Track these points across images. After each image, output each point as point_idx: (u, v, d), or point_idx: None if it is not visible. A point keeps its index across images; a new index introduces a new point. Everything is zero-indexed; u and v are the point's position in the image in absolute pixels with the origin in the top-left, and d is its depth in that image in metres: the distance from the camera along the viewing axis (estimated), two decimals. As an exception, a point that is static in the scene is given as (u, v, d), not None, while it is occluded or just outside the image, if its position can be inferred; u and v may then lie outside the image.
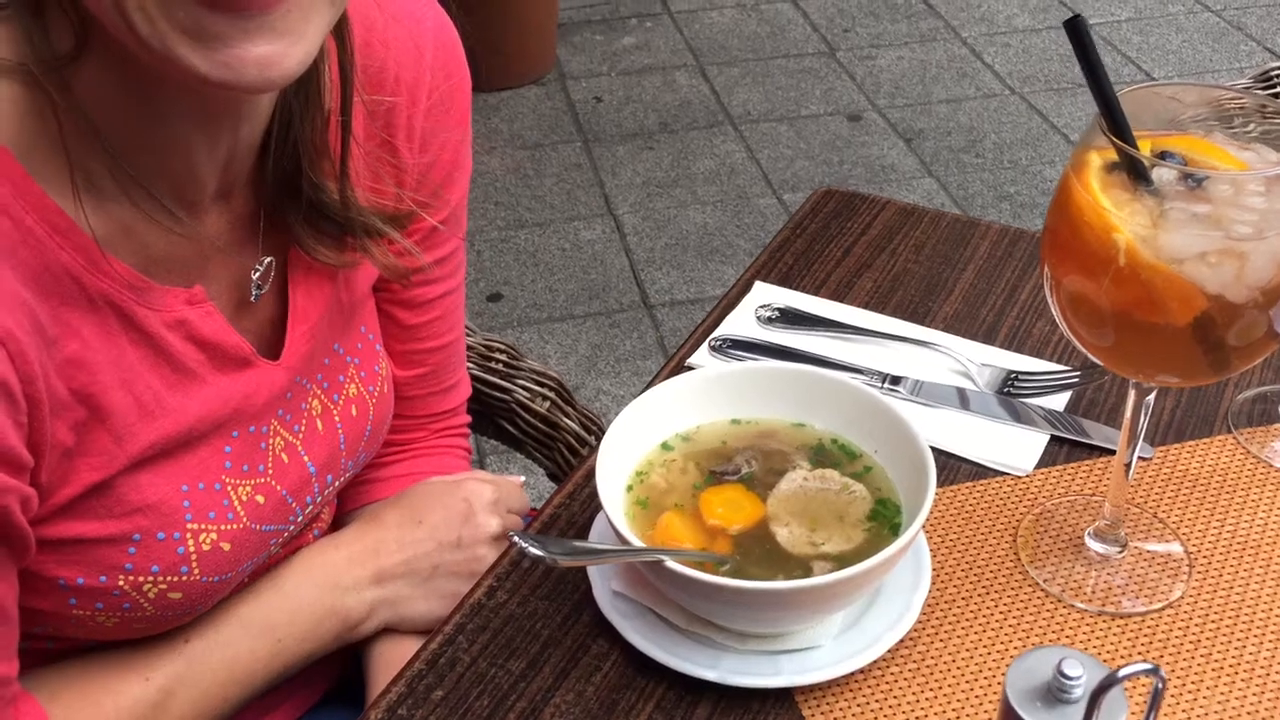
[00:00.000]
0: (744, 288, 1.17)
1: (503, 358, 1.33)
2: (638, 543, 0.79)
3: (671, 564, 0.77)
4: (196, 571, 0.82)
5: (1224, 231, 0.71)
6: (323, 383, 0.91)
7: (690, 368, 1.07)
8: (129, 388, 0.76)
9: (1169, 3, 4.14)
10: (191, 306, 0.80)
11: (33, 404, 0.69)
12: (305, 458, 0.89)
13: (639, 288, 2.90)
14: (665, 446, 0.91)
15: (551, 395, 1.33)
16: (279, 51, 0.67)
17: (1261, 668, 0.82)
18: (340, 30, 0.80)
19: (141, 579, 0.80)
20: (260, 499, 0.86)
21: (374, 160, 0.89)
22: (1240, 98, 0.78)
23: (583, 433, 1.33)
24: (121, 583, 0.79)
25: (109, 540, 0.78)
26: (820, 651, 0.82)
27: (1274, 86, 1.47)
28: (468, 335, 1.34)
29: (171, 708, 0.85)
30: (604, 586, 0.86)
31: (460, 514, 0.99)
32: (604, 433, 0.86)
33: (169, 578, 0.81)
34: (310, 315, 0.87)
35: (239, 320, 0.84)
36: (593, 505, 0.94)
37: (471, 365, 1.30)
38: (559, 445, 1.33)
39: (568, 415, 1.33)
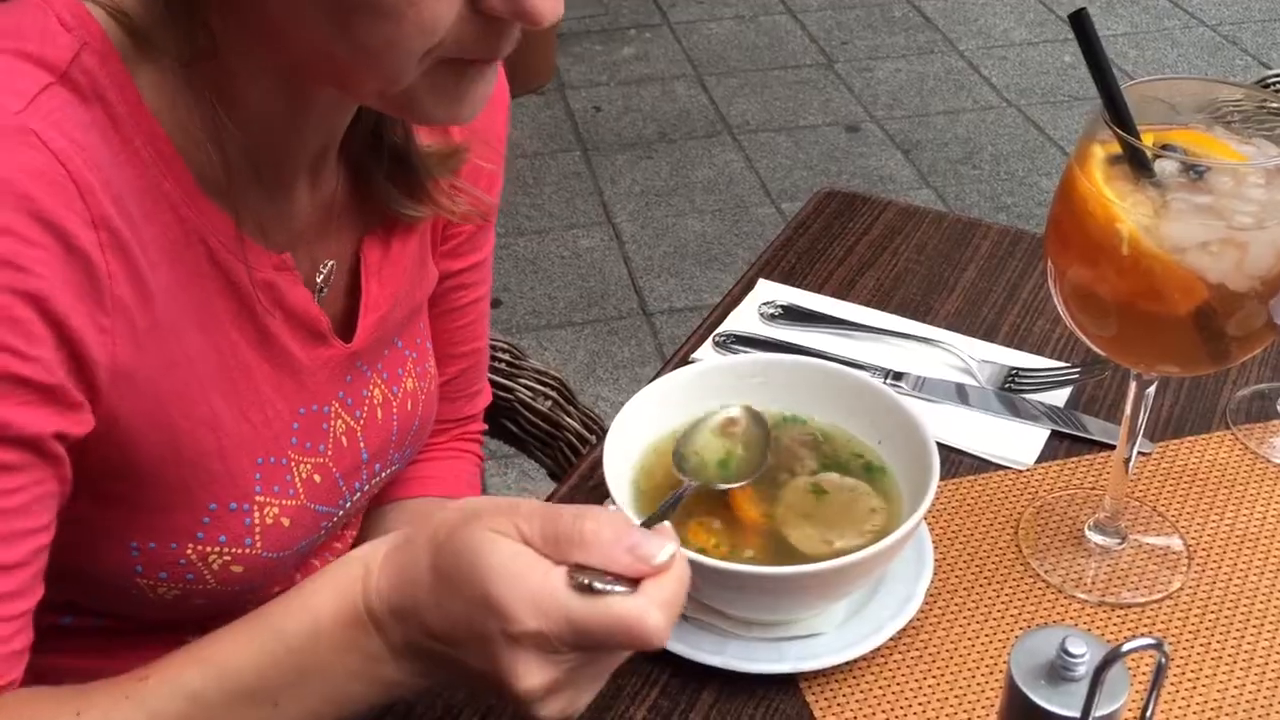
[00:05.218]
0: (747, 285, 1.18)
1: (505, 357, 1.33)
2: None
3: (680, 548, 0.78)
4: (259, 545, 0.81)
5: (1225, 221, 0.72)
6: (382, 372, 0.91)
7: (694, 363, 1.08)
8: (207, 332, 0.75)
9: (1165, 18, 4.17)
10: (279, 272, 0.79)
11: (118, 307, 0.67)
12: (362, 443, 0.89)
13: (638, 295, 2.91)
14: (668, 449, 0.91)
15: (553, 395, 1.33)
16: (492, 86, 0.71)
17: (1260, 657, 0.83)
18: None
19: (209, 549, 0.79)
20: (318, 478, 0.86)
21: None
22: (1240, 94, 0.79)
23: (584, 432, 1.33)
24: (190, 552, 0.78)
25: (186, 504, 0.77)
26: (824, 638, 0.82)
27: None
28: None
29: None
30: (610, 574, 0.87)
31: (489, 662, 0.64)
32: (605, 433, 0.87)
33: (234, 549, 0.80)
34: (381, 305, 0.88)
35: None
36: (597, 495, 0.95)
37: (474, 364, 1.31)
38: (560, 445, 1.34)
39: (569, 415, 1.34)
